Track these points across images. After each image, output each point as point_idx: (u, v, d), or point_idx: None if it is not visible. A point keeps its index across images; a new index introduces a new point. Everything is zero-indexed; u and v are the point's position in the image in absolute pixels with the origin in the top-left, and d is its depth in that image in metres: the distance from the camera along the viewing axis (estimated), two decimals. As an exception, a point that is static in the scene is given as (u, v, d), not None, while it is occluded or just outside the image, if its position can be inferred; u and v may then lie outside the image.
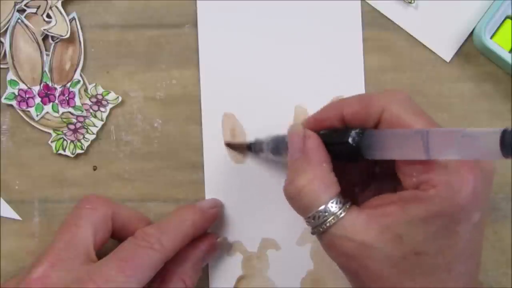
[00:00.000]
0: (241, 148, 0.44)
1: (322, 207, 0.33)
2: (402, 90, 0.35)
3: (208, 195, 0.44)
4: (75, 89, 0.44)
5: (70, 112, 0.44)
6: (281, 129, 0.43)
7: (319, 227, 0.33)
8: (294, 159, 0.35)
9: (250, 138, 0.44)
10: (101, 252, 0.38)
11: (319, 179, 0.33)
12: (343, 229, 0.32)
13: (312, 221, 0.33)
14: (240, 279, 0.44)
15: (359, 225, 0.32)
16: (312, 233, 0.34)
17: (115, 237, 0.40)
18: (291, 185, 0.34)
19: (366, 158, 0.33)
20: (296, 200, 0.34)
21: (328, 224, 0.32)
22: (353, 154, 0.34)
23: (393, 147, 0.32)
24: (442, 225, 0.31)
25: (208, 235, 0.42)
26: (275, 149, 0.40)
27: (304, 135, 0.35)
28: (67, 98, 0.44)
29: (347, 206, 0.33)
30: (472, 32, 0.44)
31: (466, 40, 0.44)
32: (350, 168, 0.37)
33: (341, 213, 0.32)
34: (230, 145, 0.44)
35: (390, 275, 0.32)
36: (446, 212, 0.31)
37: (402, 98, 0.34)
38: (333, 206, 0.33)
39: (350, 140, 0.33)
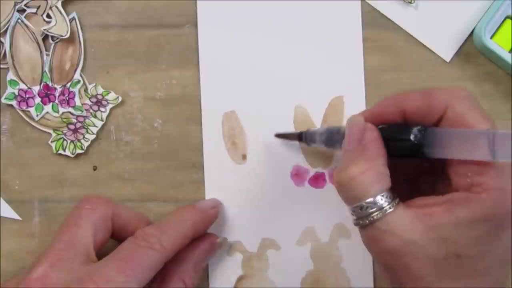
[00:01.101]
0: (292, 137, 0.43)
1: (371, 199, 0.32)
2: (464, 88, 0.34)
3: (208, 195, 0.44)
4: (75, 89, 0.44)
5: (70, 112, 0.44)
6: (281, 129, 0.44)
7: (365, 218, 0.33)
8: (350, 148, 0.34)
9: (250, 138, 0.44)
10: (101, 252, 0.38)
11: (372, 171, 0.33)
12: (389, 224, 0.32)
13: (359, 211, 0.33)
14: (240, 279, 0.44)
15: (405, 222, 0.32)
16: (355, 224, 0.34)
17: (115, 237, 0.40)
18: (343, 172, 0.34)
19: (426, 156, 0.33)
20: (346, 188, 0.33)
21: (374, 217, 0.32)
22: (414, 151, 0.33)
23: (457, 147, 0.31)
24: (488, 229, 0.31)
25: (208, 235, 0.42)
26: (329, 140, 0.39)
27: (364, 127, 0.35)
28: (67, 98, 0.44)
29: (396, 202, 0.32)
30: (472, 32, 0.44)
31: (466, 40, 0.44)
32: (401, 164, 0.37)
33: (389, 208, 0.32)
34: (280, 135, 0.43)
35: (429, 275, 0.31)
36: (494, 217, 0.31)
37: (465, 95, 0.33)
38: (382, 200, 0.32)
39: (412, 137, 0.33)
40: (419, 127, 0.33)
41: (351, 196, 0.33)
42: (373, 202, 0.32)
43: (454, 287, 0.32)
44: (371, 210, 0.32)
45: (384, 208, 0.32)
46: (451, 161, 0.33)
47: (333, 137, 0.39)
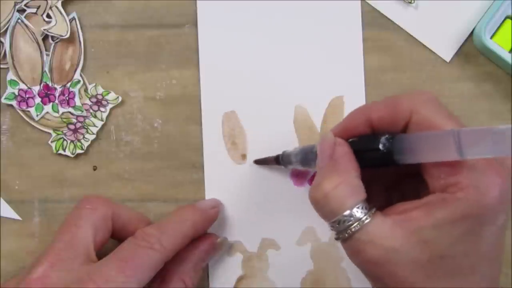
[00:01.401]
0: (269, 162, 0.43)
1: (347, 212, 0.32)
2: (428, 91, 0.34)
3: (208, 195, 0.44)
4: (75, 89, 0.44)
5: (70, 112, 0.44)
6: (281, 129, 0.44)
7: (344, 232, 0.33)
8: (322, 165, 0.35)
9: (250, 138, 0.44)
10: (101, 253, 0.38)
11: (345, 184, 0.33)
12: (368, 235, 0.32)
13: (337, 225, 0.33)
14: (240, 279, 0.44)
15: (385, 230, 0.32)
16: (336, 238, 0.34)
17: (115, 237, 0.40)
18: (317, 189, 0.34)
19: (397, 163, 0.33)
20: (322, 204, 0.34)
21: (353, 230, 0.32)
22: (384, 160, 0.33)
23: (425, 150, 0.31)
24: (468, 227, 0.31)
25: (208, 235, 0.42)
26: (304, 160, 0.39)
27: (334, 142, 0.35)
28: (67, 98, 0.44)
29: (372, 212, 0.32)
30: (472, 32, 0.44)
31: (466, 40, 0.44)
32: (380, 173, 0.37)
33: (366, 219, 0.32)
34: (258, 162, 0.44)
35: (416, 279, 0.31)
36: (473, 215, 0.31)
37: (429, 99, 0.33)
38: (358, 212, 0.32)
39: (380, 146, 0.33)
40: (386, 136, 0.33)
41: (327, 211, 0.33)
42: (349, 214, 0.32)
43: (441, 287, 0.32)
44: (349, 223, 0.32)
45: (362, 219, 0.32)
46: (424, 164, 0.33)
47: (308, 157, 0.39)
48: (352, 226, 0.32)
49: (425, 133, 0.32)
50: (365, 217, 0.32)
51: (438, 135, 0.31)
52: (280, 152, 0.42)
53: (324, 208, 0.34)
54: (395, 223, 0.32)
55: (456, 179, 0.31)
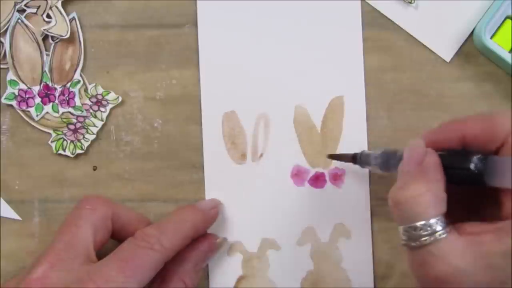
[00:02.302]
0: (345, 158, 0.42)
1: (426, 222, 0.32)
2: None
3: (208, 195, 0.44)
4: (75, 89, 0.44)
5: (70, 112, 0.44)
6: (281, 129, 0.44)
7: (416, 240, 0.32)
8: (409, 169, 0.34)
9: (250, 138, 0.44)
10: (101, 253, 0.38)
11: (431, 193, 0.33)
12: (440, 250, 0.32)
13: (413, 232, 0.32)
14: (240, 279, 0.44)
15: (456, 249, 0.31)
16: (404, 244, 0.33)
17: (115, 237, 0.40)
18: (401, 191, 0.33)
19: (485, 185, 0.33)
20: (403, 207, 0.33)
21: (426, 241, 0.32)
22: (473, 180, 0.33)
23: None
24: None
25: (208, 235, 0.42)
26: (385, 163, 0.38)
27: (425, 151, 0.34)
28: (67, 98, 0.44)
29: (449, 228, 0.32)
30: (472, 32, 0.44)
31: (466, 40, 0.44)
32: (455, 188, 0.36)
33: (442, 233, 0.32)
34: (332, 156, 0.43)
35: None
36: None
37: None
38: (436, 224, 0.32)
39: (472, 166, 0.33)
40: (479, 156, 0.33)
41: (406, 215, 0.33)
42: (427, 224, 0.32)
43: None
44: (424, 233, 0.32)
45: (438, 233, 0.32)
46: (504, 188, 0.33)
47: (390, 161, 0.38)
48: (426, 237, 0.32)
49: None
50: (441, 231, 0.32)
51: None
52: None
53: (404, 211, 0.33)
54: (467, 243, 0.32)
55: None
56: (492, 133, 0.33)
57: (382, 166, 0.39)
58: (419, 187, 0.33)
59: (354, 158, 0.41)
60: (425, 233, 0.32)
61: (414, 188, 0.33)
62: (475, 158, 0.33)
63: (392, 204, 0.34)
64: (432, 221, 0.32)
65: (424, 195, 0.33)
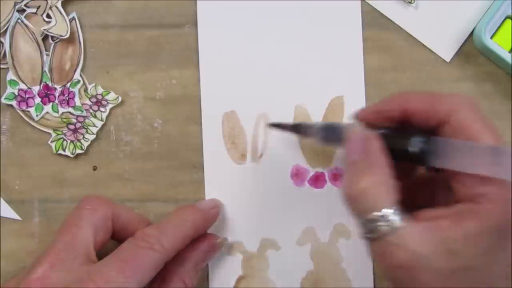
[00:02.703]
0: (286, 128, 0.42)
1: (381, 213, 0.32)
2: (471, 96, 0.34)
3: (208, 195, 0.44)
4: (75, 89, 0.44)
5: (70, 112, 0.44)
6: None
7: (374, 232, 0.32)
8: (354, 160, 0.34)
9: (250, 138, 0.44)
10: (102, 253, 0.38)
11: (383, 183, 0.33)
12: (399, 238, 0.32)
13: (369, 224, 0.32)
14: (240, 279, 0.44)
15: (414, 236, 0.31)
16: (363, 237, 0.33)
17: (115, 238, 0.40)
18: (352, 186, 0.33)
19: (427, 166, 0.33)
20: (357, 201, 0.33)
21: (383, 231, 0.32)
22: (415, 160, 0.33)
23: (460, 159, 0.31)
24: (495, 241, 0.31)
25: (208, 235, 0.42)
26: (326, 138, 0.38)
27: (365, 136, 0.34)
28: (67, 98, 0.44)
29: (404, 216, 0.32)
30: (472, 32, 0.44)
31: (466, 40, 0.44)
32: (398, 168, 0.36)
33: (399, 222, 0.32)
34: (273, 125, 0.42)
35: (437, 287, 0.31)
36: (501, 228, 0.31)
37: (471, 104, 0.33)
38: (391, 214, 0.32)
39: (414, 148, 0.33)
40: (421, 138, 0.33)
41: (361, 209, 0.33)
42: (382, 215, 0.32)
43: None
44: (380, 223, 0.32)
45: (394, 222, 0.32)
46: (452, 171, 0.32)
47: (333, 136, 0.38)
48: (383, 227, 0.32)
49: (464, 143, 0.32)
50: (397, 220, 0.32)
51: (478, 148, 0.31)
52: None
53: (358, 205, 0.33)
54: (425, 229, 0.32)
55: (486, 189, 0.31)
56: (435, 110, 0.33)
57: (323, 140, 0.39)
58: (370, 179, 0.33)
59: (294, 128, 0.41)
60: (382, 223, 0.32)
61: (362, 181, 0.33)
62: (416, 140, 0.33)
63: (347, 199, 0.34)
64: (387, 211, 0.32)
65: (376, 187, 0.32)
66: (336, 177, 0.44)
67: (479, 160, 0.30)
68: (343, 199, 0.34)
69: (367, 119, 0.36)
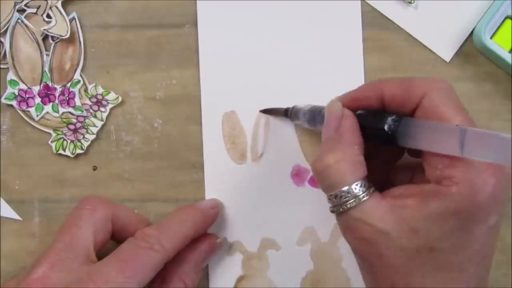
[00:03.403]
0: (278, 113, 0.43)
1: (346, 188, 0.33)
2: (445, 80, 0.34)
3: (208, 195, 0.44)
4: (75, 89, 0.44)
5: (70, 112, 0.44)
6: (281, 130, 0.44)
7: (339, 206, 0.33)
8: (327, 137, 0.35)
9: (250, 138, 0.44)
10: (102, 253, 0.38)
11: (347, 160, 0.33)
12: (363, 213, 0.32)
13: (334, 199, 0.33)
14: (240, 279, 0.44)
15: (379, 212, 0.32)
16: (331, 211, 0.34)
17: (115, 238, 0.40)
18: (319, 161, 0.34)
19: (399, 145, 0.33)
20: (322, 176, 0.34)
21: (348, 206, 0.33)
22: (387, 140, 0.34)
23: (428, 139, 0.32)
24: (459, 223, 0.31)
25: (208, 235, 0.42)
26: (312, 120, 0.40)
27: (341, 114, 0.35)
28: (67, 98, 0.44)
29: (371, 191, 0.33)
30: (472, 32, 0.44)
31: (466, 40, 0.44)
32: (379, 149, 0.37)
33: (363, 197, 0.32)
34: (265, 111, 0.44)
35: (402, 266, 0.32)
36: (464, 211, 0.31)
37: (444, 87, 0.33)
38: (356, 189, 0.33)
39: (386, 127, 0.33)
40: (393, 117, 0.33)
41: (326, 184, 0.34)
42: (347, 190, 0.33)
43: (429, 281, 0.32)
44: (346, 199, 0.33)
45: (359, 197, 0.32)
46: (425, 152, 0.33)
47: (316, 118, 0.39)
48: (349, 202, 0.33)
49: (432, 123, 0.32)
50: (363, 195, 0.32)
51: (445, 127, 0.31)
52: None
53: (324, 180, 0.34)
54: (390, 206, 0.32)
55: (452, 172, 0.31)
56: (408, 94, 0.33)
57: (309, 121, 0.40)
58: (335, 155, 0.33)
59: (286, 112, 0.42)
60: (347, 198, 0.33)
61: (330, 157, 0.33)
62: (389, 119, 0.33)
63: (314, 174, 0.35)
64: (353, 186, 0.33)
65: (340, 163, 0.33)
66: (336, 177, 0.44)
67: (446, 140, 0.30)
68: (313, 174, 0.35)
69: (347, 103, 0.36)
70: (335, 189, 0.33)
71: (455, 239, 0.31)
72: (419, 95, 0.33)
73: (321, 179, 0.34)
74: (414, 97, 0.33)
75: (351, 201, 0.33)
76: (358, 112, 0.35)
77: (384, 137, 0.34)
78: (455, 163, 0.31)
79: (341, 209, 0.33)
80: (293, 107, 0.42)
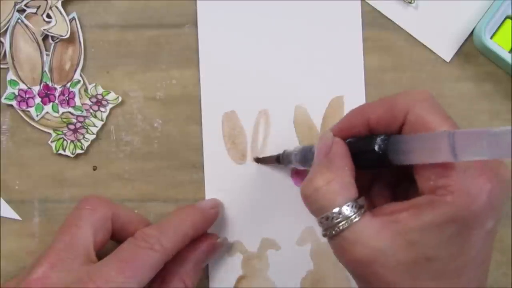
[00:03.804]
0: (270, 161, 0.43)
1: (336, 210, 0.32)
2: (425, 90, 0.34)
3: (208, 195, 0.44)
4: (75, 89, 0.44)
5: (70, 112, 0.44)
6: (281, 129, 0.44)
7: (331, 229, 0.32)
8: (317, 163, 0.35)
9: (250, 138, 0.44)
10: (101, 253, 0.38)
11: (337, 181, 0.33)
12: (356, 234, 0.32)
13: (325, 222, 0.33)
14: (240, 279, 0.44)
15: (372, 231, 0.32)
16: (324, 235, 0.33)
17: (115, 238, 0.40)
18: (308, 184, 0.34)
19: (392, 164, 0.33)
20: (312, 199, 0.33)
21: (340, 228, 0.32)
22: (380, 161, 0.33)
23: (419, 151, 0.31)
24: (456, 231, 0.31)
25: (208, 235, 0.42)
26: (303, 159, 0.39)
27: (331, 141, 0.35)
28: (67, 98, 0.44)
29: (362, 211, 0.32)
30: (472, 32, 0.44)
31: (466, 40, 0.44)
32: (381, 173, 0.37)
33: (355, 218, 0.32)
34: (258, 160, 0.44)
35: (401, 280, 0.31)
36: (460, 219, 0.30)
37: (425, 98, 0.33)
38: (347, 210, 0.32)
39: (376, 147, 0.33)
40: (382, 137, 0.33)
41: (317, 207, 0.33)
42: (338, 212, 0.32)
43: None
44: (337, 220, 0.32)
45: (350, 218, 0.32)
46: (416, 165, 0.32)
47: (307, 156, 0.39)
48: (340, 224, 0.32)
49: (420, 134, 0.32)
50: (354, 216, 0.32)
51: (433, 136, 0.31)
52: (280, 151, 0.42)
53: (313, 203, 0.33)
54: (383, 223, 0.32)
55: (446, 181, 0.31)
56: (392, 113, 0.33)
57: (301, 161, 0.39)
58: (324, 177, 0.33)
59: (278, 159, 0.42)
60: (338, 220, 0.32)
61: (319, 179, 0.33)
62: (378, 139, 0.33)
63: (303, 198, 0.34)
64: (343, 208, 0.32)
65: (330, 184, 0.33)
66: (336, 177, 0.44)
67: (437, 147, 0.30)
68: (302, 199, 0.34)
69: (337, 135, 0.36)
70: (325, 211, 0.32)
71: (452, 247, 0.31)
72: (403, 112, 0.33)
73: (310, 202, 0.34)
74: (398, 114, 0.33)
75: (342, 222, 0.32)
76: (348, 140, 0.35)
77: (376, 159, 0.33)
78: (448, 172, 0.31)
79: (333, 232, 0.32)
80: (284, 152, 0.42)
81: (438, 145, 0.30)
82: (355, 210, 0.32)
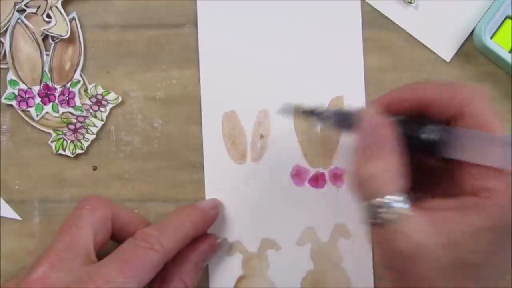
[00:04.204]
0: (297, 114, 0.40)
1: (389, 198, 0.31)
2: (483, 86, 0.33)
3: (208, 195, 0.44)
4: (75, 89, 0.44)
5: (70, 112, 0.44)
6: (281, 130, 0.44)
7: (378, 217, 0.32)
8: (367, 144, 0.33)
9: (250, 138, 0.44)
10: (101, 253, 0.38)
11: (391, 169, 0.32)
12: (403, 226, 0.31)
13: (373, 210, 0.32)
14: (240, 279, 0.44)
15: (418, 225, 0.31)
16: (367, 222, 0.33)
17: (115, 238, 0.40)
18: (362, 169, 0.33)
19: (440, 155, 0.32)
20: (364, 185, 0.33)
21: (388, 217, 0.31)
22: (428, 149, 0.33)
23: (472, 149, 0.31)
24: (496, 237, 0.31)
25: (208, 235, 0.42)
26: (338, 124, 0.37)
27: (378, 122, 0.34)
28: (67, 98, 0.44)
29: (410, 204, 0.32)
30: (472, 32, 0.44)
31: (466, 40, 0.44)
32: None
33: (404, 209, 0.31)
34: (285, 110, 0.40)
35: (435, 278, 0.31)
36: (503, 225, 0.30)
37: (486, 95, 0.33)
38: (397, 200, 0.31)
39: (426, 136, 0.32)
40: (436, 127, 0.32)
41: (367, 193, 0.33)
42: (388, 201, 0.31)
43: None
44: (385, 210, 0.31)
45: (399, 209, 0.31)
46: (461, 161, 0.32)
47: (345, 121, 0.37)
48: (389, 214, 0.31)
49: (481, 133, 0.31)
50: (403, 207, 0.31)
51: (492, 138, 0.31)
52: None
53: (365, 189, 0.33)
54: (430, 219, 0.31)
55: (494, 184, 0.31)
56: (451, 100, 0.33)
57: (336, 125, 0.38)
58: (380, 163, 0.32)
59: (308, 113, 0.39)
60: (386, 210, 0.31)
61: (374, 165, 0.32)
62: (430, 128, 0.32)
63: (357, 181, 0.33)
64: (393, 197, 0.31)
65: (385, 172, 0.32)
66: (336, 177, 0.44)
67: (494, 151, 0.30)
68: (351, 182, 0.33)
69: (383, 106, 0.35)
70: (374, 199, 0.32)
71: (492, 252, 0.31)
72: (463, 102, 0.32)
73: (361, 187, 0.33)
74: (458, 103, 0.32)
75: (391, 213, 0.31)
76: (397, 118, 0.34)
77: (423, 147, 0.33)
78: (496, 174, 0.31)
79: (379, 221, 0.32)
80: (316, 108, 0.39)
81: (495, 148, 0.29)
82: (405, 202, 0.32)
